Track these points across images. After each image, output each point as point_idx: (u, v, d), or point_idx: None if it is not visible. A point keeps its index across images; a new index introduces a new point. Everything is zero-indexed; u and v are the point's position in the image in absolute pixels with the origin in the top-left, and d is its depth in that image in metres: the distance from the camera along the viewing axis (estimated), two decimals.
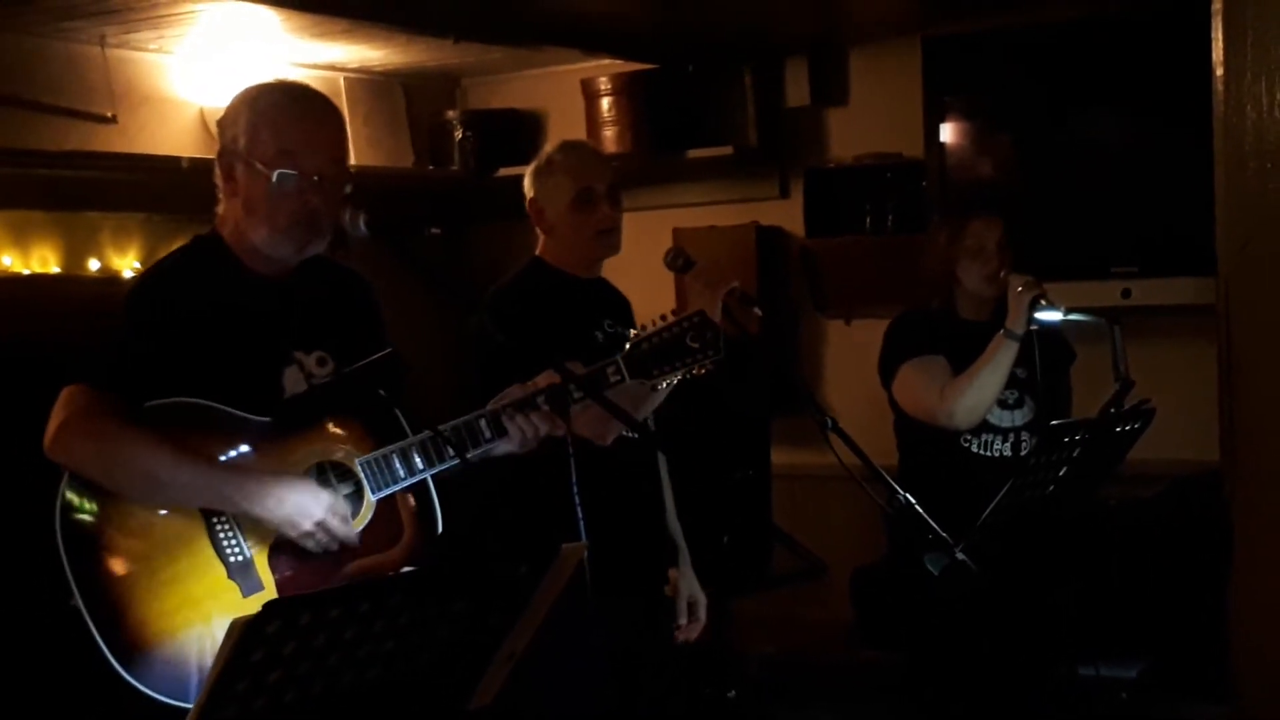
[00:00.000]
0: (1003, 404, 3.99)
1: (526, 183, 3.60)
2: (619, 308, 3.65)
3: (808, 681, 5.21)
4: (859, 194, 5.76)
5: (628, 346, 2.86)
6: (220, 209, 2.76)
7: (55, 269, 5.02)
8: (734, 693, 4.77)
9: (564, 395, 2.78)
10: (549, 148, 3.64)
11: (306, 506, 2.55)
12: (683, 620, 3.69)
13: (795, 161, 5.96)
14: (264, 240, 2.68)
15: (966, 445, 3.99)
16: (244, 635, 1.87)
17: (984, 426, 3.98)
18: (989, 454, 4.00)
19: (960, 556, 3.16)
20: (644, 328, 2.91)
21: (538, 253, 3.61)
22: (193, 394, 2.57)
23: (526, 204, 3.60)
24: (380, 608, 2.01)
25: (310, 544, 2.57)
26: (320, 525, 2.56)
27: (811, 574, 5.47)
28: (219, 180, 2.74)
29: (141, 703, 2.45)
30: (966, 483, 3.78)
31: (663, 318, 2.90)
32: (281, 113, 2.69)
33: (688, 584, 3.71)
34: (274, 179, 2.63)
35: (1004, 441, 4.01)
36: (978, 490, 3.55)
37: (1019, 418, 4.02)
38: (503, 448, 2.78)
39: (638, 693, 3.49)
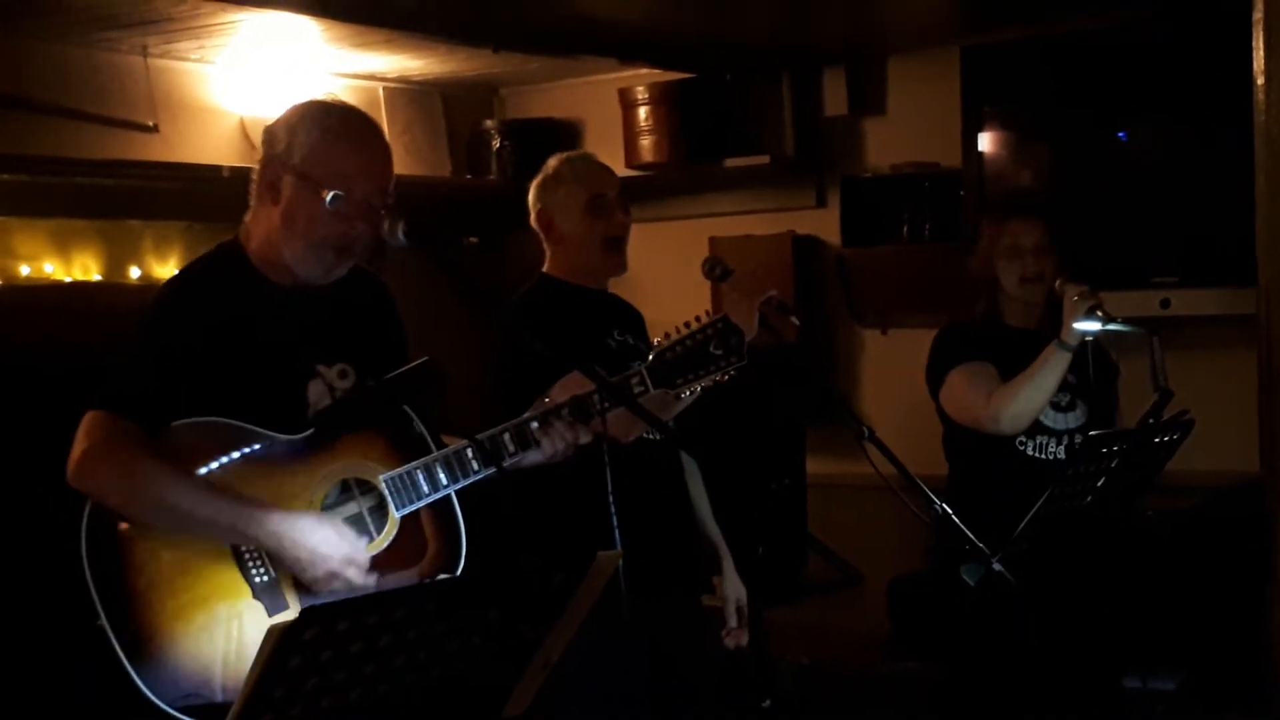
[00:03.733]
0: (1055, 406, 3.97)
1: (533, 196, 3.59)
2: (629, 317, 3.65)
3: (842, 691, 5.19)
4: (896, 203, 5.75)
5: (651, 357, 2.83)
6: (249, 218, 2.76)
7: (97, 276, 5.06)
8: (768, 702, 4.75)
9: (588, 406, 2.78)
10: (553, 161, 3.63)
11: (324, 552, 2.53)
12: (732, 623, 3.68)
13: (832, 171, 5.96)
14: (295, 256, 2.68)
15: (1021, 448, 3.97)
16: (281, 642, 1.88)
17: (1038, 429, 3.95)
18: (1044, 457, 3.97)
19: (997, 567, 3.15)
20: (666, 336, 2.88)
21: (545, 269, 3.61)
22: (216, 411, 2.57)
23: (533, 217, 3.59)
24: (416, 615, 2.01)
25: (319, 588, 2.55)
26: (332, 575, 2.54)
27: (847, 583, 5.46)
28: (256, 188, 2.73)
29: None
30: (1021, 486, 3.75)
31: (685, 325, 2.88)
32: (344, 135, 2.69)
33: (734, 587, 3.69)
34: (327, 199, 2.63)
35: (1058, 444, 3.98)
36: (1032, 494, 3.52)
37: (1072, 420, 4.00)
38: (532, 458, 2.78)
39: (672, 702, 3.49)
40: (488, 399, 3.09)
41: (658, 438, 3.42)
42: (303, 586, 2.58)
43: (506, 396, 2.90)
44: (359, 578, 2.58)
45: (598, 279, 3.60)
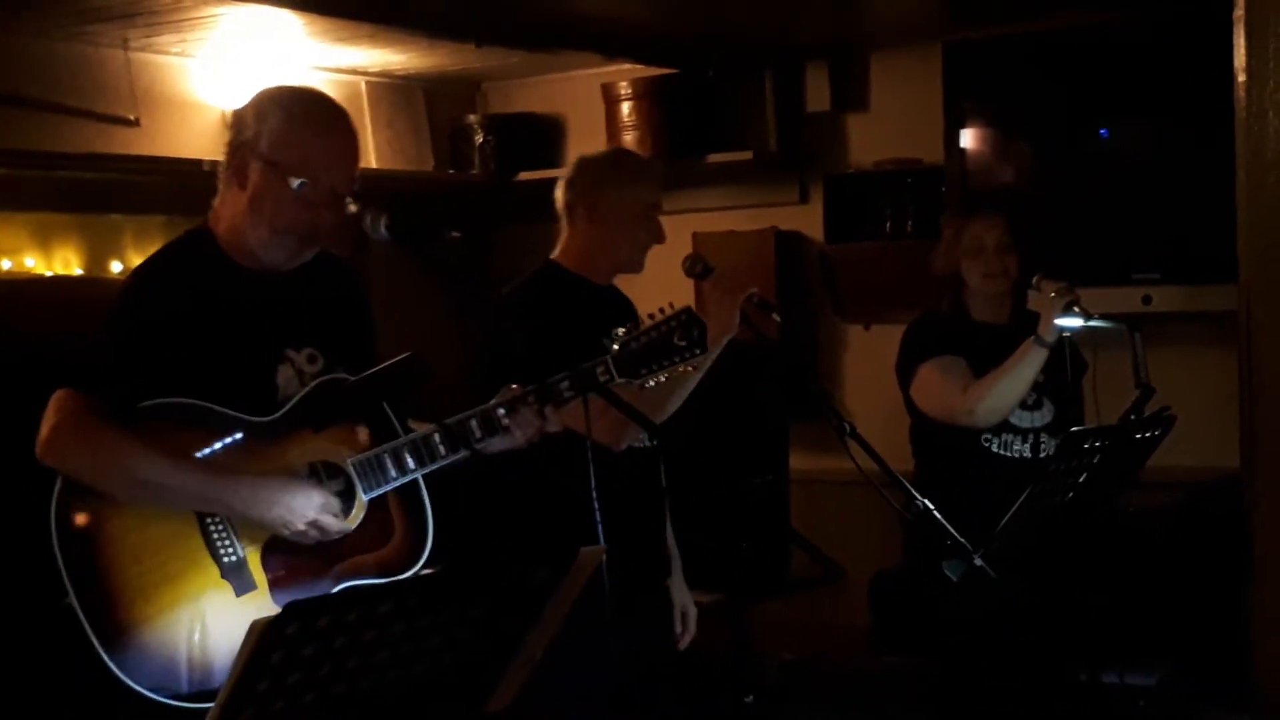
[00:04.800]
0: (1022, 404, 3.99)
1: (583, 180, 3.54)
2: (628, 315, 3.65)
3: (825, 686, 5.21)
4: (879, 199, 5.75)
5: (616, 347, 2.87)
6: (217, 202, 2.76)
7: (78, 270, 5.04)
8: (751, 698, 4.77)
9: (555, 394, 2.78)
10: (618, 153, 3.61)
11: (298, 506, 2.56)
12: (677, 629, 3.69)
13: (815, 167, 5.95)
14: (260, 241, 2.69)
15: (987, 445, 3.99)
16: (264, 636, 1.88)
17: (1004, 426, 3.98)
18: (1009, 454, 3.99)
19: (978, 563, 3.16)
20: (630, 327, 2.91)
21: (554, 256, 3.60)
22: (186, 394, 2.58)
23: (574, 198, 3.54)
24: (399, 610, 2.01)
25: (305, 540, 2.58)
26: (312, 524, 2.57)
27: (829, 579, 5.46)
28: (225, 172, 2.73)
29: (134, 700, 2.47)
30: (986, 484, 3.77)
31: (650, 316, 2.91)
32: (312, 122, 2.69)
33: (679, 593, 3.71)
34: (294, 186, 2.63)
35: (1023, 442, 4.00)
36: (997, 491, 3.54)
37: (1038, 419, 4.02)
38: (498, 445, 2.78)
39: (655, 697, 3.49)
40: (469, 383, 3.09)
41: (649, 444, 3.42)
42: (270, 566, 2.59)
43: (485, 381, 2.90)
44: (336, 522, 2.59)
45: (606, 275, 3.60)
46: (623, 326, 3.54)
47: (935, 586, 3.49)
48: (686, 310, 2.91)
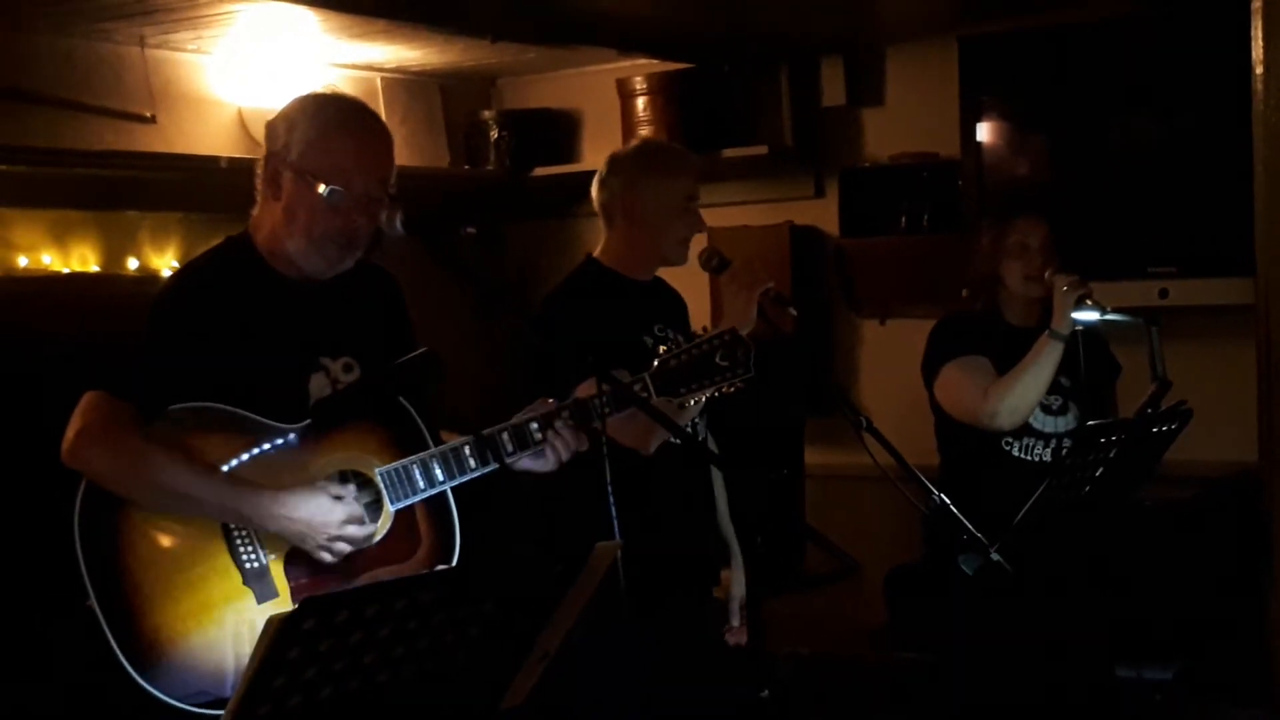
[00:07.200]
0: (1046, 409, 3.97)
1: (620, 177, 3.50)
2: (673, 308, 3.62)
3: (840, 682, 5.20)
4: (894, 194, 5.74)
5: (655, 364, 2.83)
6: (256, 211, 2.76)
7: (94, 267, 5.05)
8: (766, 692, 4.76)
9: (588, 411, 2.77)
10: (652, 145, 3.58)
11: (320, 520, 2.54)
12: (734, 622, 3.68)
13: (830, 161, 5.95)
14: (299, 250, 2.68)
15: (1008, 449, 3.97)
16: (280, 632, 1.88)
17: (1026, 430, 3.95)
18: (1030, 458, 3.97)
19: (995, 557, 3.16)
20: (670, 345, 2.89)
21: (596, 254, 3.57)
22: (218, 400, 2.58)
23: (611, 196, 3.50)
24: (414, 606, 2.01)
25: (326, 556, 2.57)
26: (335, 539, 2.56)
27: (845, 574, 5.47)
28: (260, 183, 2.74)
29: (153, 706, 2.46)
30: (1006, 486, 3.75)
31: (694, 334, 2.88)
32: (340, 129, 2.68)
33: (739, 586, 3.69)
34: (324, 194, 2.63)
35: (1045, 447, 3.98)
36: (1017, 494, 3.53)
37: (1062, 424, 3.99)
38: (526, 462, 2.77)
39: (671, 693, 3.49)
40: (489, 386, 3.08)
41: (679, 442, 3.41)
42: (293, 573, 2.58)
43: (527, 386, 2.89)
44: (359, 530, 2.58)
45: (649, 271, 3.57)
46: (661, 321, 3.53)
47: (952, 581, 3.48)
48: (732, 331, 2.89)
